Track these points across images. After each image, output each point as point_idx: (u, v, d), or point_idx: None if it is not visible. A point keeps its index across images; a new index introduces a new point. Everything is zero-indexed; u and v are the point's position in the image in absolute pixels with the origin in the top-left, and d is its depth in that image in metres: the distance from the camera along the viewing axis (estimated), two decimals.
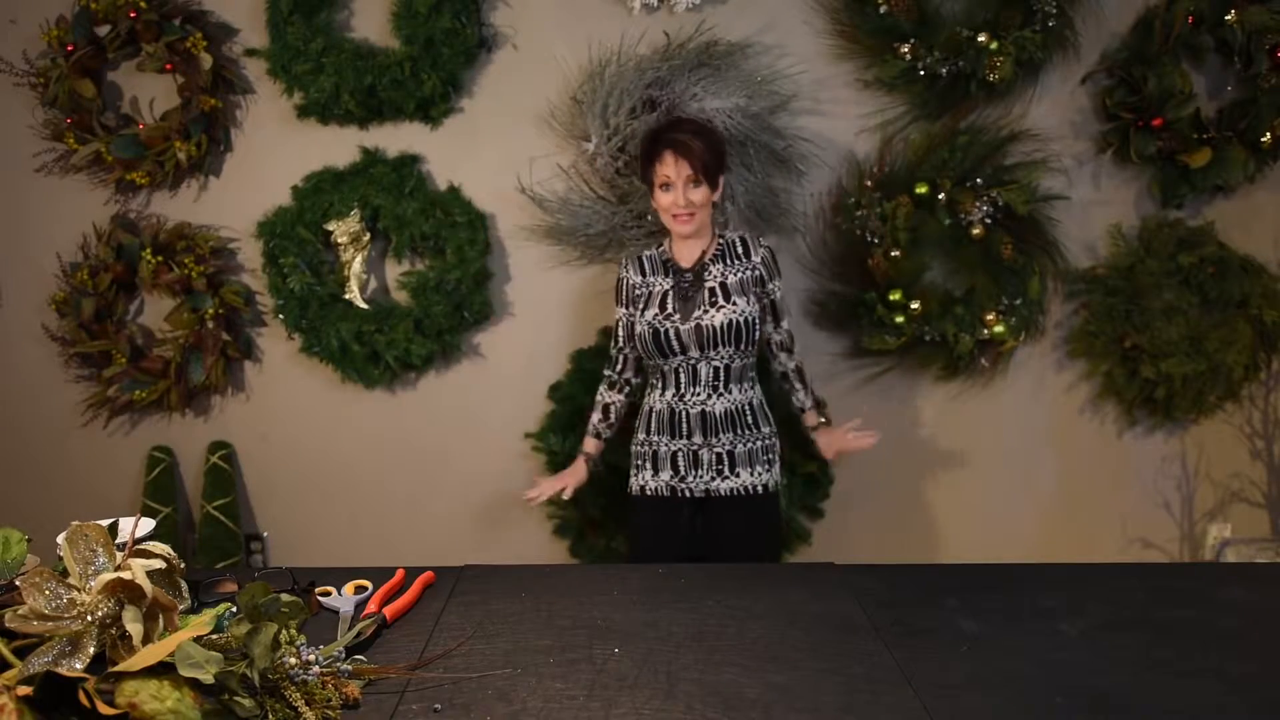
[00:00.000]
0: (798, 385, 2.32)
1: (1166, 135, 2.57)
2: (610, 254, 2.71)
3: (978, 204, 2.60)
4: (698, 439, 2.18)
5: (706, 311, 2.14)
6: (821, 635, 1.24)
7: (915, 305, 2.64)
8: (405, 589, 1.38)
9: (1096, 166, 2.72)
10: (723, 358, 2.16)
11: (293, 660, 1.05)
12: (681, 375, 2.18)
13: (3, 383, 2.90)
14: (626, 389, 2.35)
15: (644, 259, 2.26)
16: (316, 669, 1.06)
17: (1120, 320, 2.70)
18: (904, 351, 2.73)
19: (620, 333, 2.30)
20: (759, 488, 2.21)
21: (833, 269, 2.74)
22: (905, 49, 2.55)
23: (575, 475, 2.31)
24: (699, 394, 2.18)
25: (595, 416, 2.35)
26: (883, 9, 2.53)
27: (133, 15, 2.59)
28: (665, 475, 2.21)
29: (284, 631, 1.06)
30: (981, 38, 2.51)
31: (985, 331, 2.66)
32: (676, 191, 2.10)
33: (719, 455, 2.18)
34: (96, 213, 2.78)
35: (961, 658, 1.16)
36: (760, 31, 2.62)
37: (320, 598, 1.34)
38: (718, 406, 2.17)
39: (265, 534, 2.98)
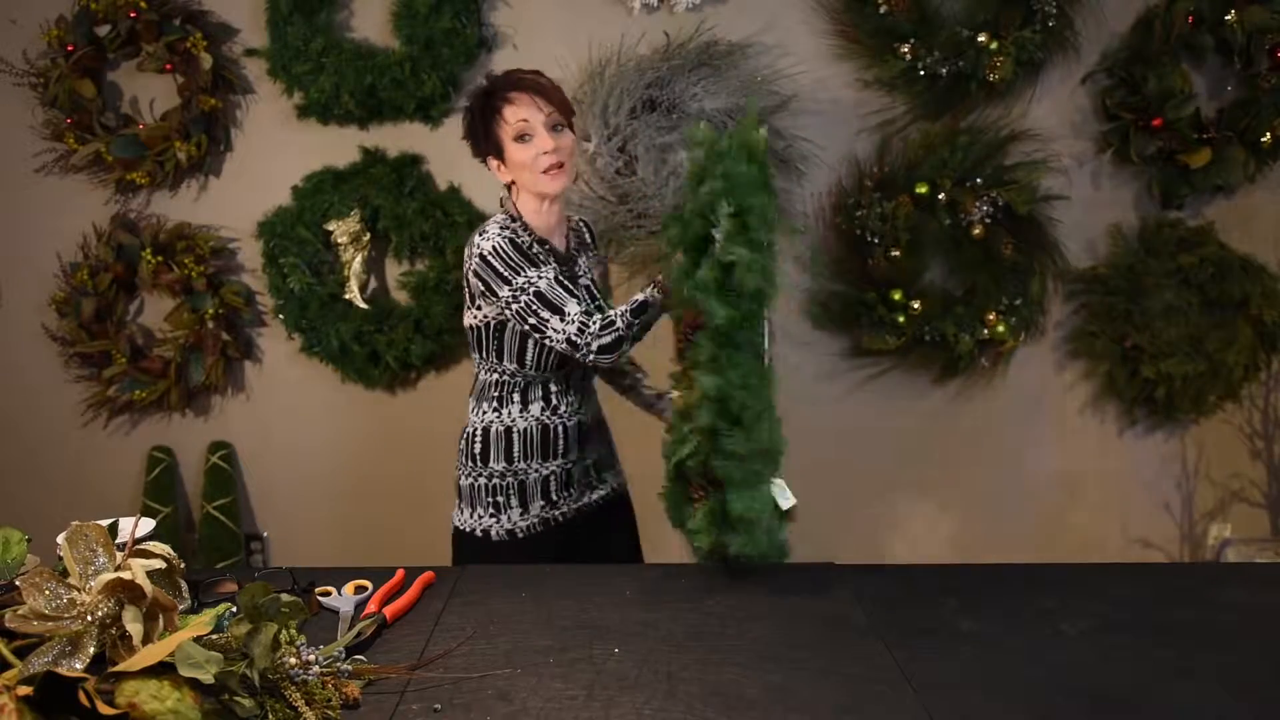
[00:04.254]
0: (631, 369, 1.95)
1: (1166, 135, 2.57)
2: (610, 254, 2.71)
3: (978, 204, 2.59)
4: (573, 455, 1.81)
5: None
6: (821, 635, 1.24)
7: (915, 305, 2.64)
8: (405, 589, 1.38)
9: (1096, 166, 2.72)
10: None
11: (293, 660, 1.05)
12: (554, 388, 1.79)
13: (3, 383, 2.90)
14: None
15: (516, 230, 1.73)
16: (316, 669, 1.06)
17: (1120, 320, 2.70)
18: (904, 351, 2.73)
19: (572, 287, 1.71)
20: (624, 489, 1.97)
21: (833, 269, 2.74)
22: (905, 49, 2.54)
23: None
24: (572, 404, 1.81)
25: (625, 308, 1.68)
26: (883, 9, 2.53)
27: (133, 15, 2.59)
28: (536, 507, 1.79)
29: (284, 631, 1.06)
30: (981, 38, 2.51)
31: (985, 331, 2.66)
32: (540, 136, 1.68)
33: (586, 468, 1.85)
34: (96, 213, 2.78)
35: (961, 658, 1.16)
36: (760, 31, 2.62)
37: (320, 598, 1.34)
38: (589, 414, 1.85)
39: (265, 534, 2.98)
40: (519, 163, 1.70)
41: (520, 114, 1.69)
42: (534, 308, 1.64)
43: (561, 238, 1.81)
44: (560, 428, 1.79)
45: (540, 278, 1.66)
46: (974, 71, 2.54)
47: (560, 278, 1.69)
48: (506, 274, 1.65)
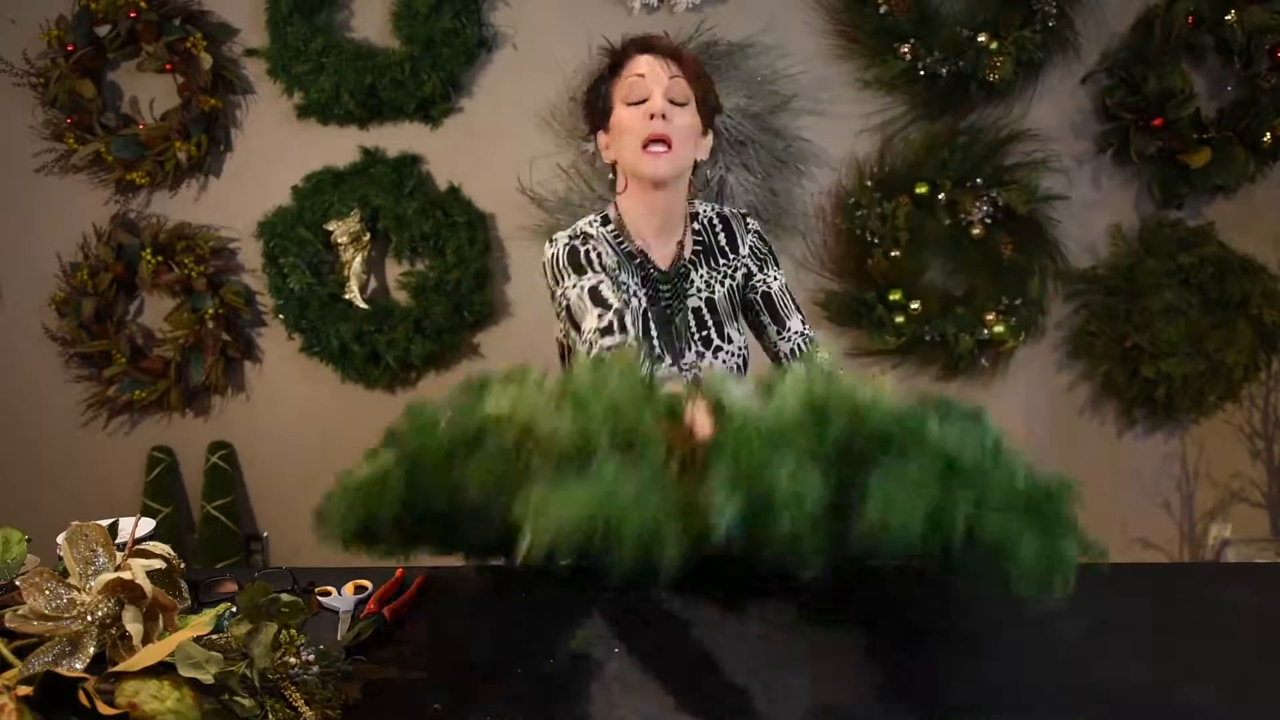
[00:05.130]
0: None
1: (1166, 135, 2.57)
2: None
3: (978, 204, 2.59)
4: None
5: (700, 355, 1.48)
6: (822, 635, 1.24)
7: (915, 305, 2.64)
8: (405, 589, 1.38)
9: (1096, 166, 2.71)
10: None
11: (293, 660, 1.05)
12: None
13: (3, 383, 2.90)
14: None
15: (604, 236, 1.48)
16: (316, 669, 1.06)
17: (1120, 320, 2.70)
18: (904, 351, 2.73)
19: (607, 292, 1.37)
20: None
21: (833, 269, 2.74)
22: (905, 49, 2.54)
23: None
24: None
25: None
26: (883, 9, 2.53)
27: (133, 15, 2.59)
28: None
29: (284, 632, 1.06)
30: (981, 38, 2.51)
31: (985, 331, 2.66)
32: (654, 99, 1.39)
33: None
34: (96, 213, 2.78)
35: (962, 658, 1.16)
36: (760, 31, 2.62)
37: (320, 598, 1.34)
38: None
39: (265, 534, 2.98)
40: (622, 127, 1.41)
41: (640, 66, 1.41)
42: (566, 320, 1.42)
43: (670, 246, 1.49)
44: None
45: (574, 285, 1.39)
46: (974, 71, 2.54)
47: (599, 286, 1.37)
48: (553, 284, 1.45)
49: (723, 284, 1.52)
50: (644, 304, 1.45)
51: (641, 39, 1.46)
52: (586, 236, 1.46)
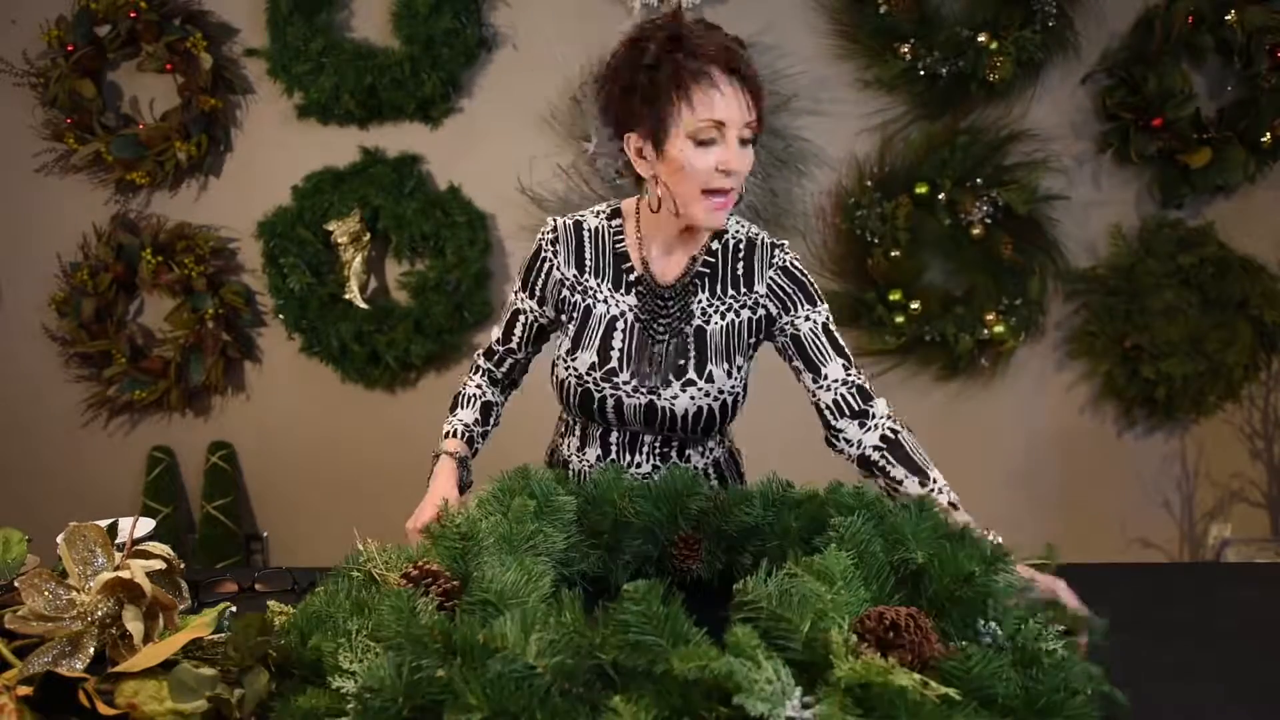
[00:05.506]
0: (896, 469, 1.29)
1: (1166, 135, 2.57)
2: None
3: (978, 204, 2.59)
4: None
5: (670, 385, 1.33)
6: None
7: (915, 305, 2.64)
8: None
9: (1096, 166, 2.71)
10: (679, 437, 1.40)
11: None
12: (613, 438, 1.42)
13: (3, 383, 2.89)
14: (510, 392, 1.56)
15: (585, 235, 1.35)
16: None
17: (1120, 320, 2.70)
18: (904, 351, 2.73)
19: (518, 331, 1.43)
20: None
21: (833, 269, 2.74)
22: (905, 49, 2.54)
23: (450, 482, 1.41)
24: (640, 464, 1.41)
25: (468, 415, 1.46)
26: (883, 9, 2.53)
27: (133, 15, 2.59)
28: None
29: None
30: (981, 38, 2.51)
31: (985, 331, 2.66)
32: (730, 147, 1.19)
33: None
34: (96, 213, 2.78)
35: None
36: (760, 31, 2.62)
37: None
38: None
39: (265, 534, 2.98)
40: (683, 165, 1.20)
41: (719, 110, 1.18)
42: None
43: (680, 260, 1.34)
44: None
45: (514, 291, 1.43)
46: (974, 71, 2.53)
47: (516, 316, 1.42)
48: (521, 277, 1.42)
49: (724, 317, 1.33)
50: (621, 315, 1.34)
51: (719, 47, 1.23)
52: (582, 232, 1.36)
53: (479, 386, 1.49)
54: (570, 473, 1.46)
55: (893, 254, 2.60)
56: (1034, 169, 2.64)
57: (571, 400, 1.37)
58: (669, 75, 1.19)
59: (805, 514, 1.15)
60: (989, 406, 2.83)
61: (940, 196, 2.60)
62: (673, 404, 1.33)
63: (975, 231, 2.62)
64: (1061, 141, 2.69)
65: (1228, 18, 2.51)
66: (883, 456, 1.30)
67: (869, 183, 2.65)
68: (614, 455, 1.42)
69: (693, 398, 1.33)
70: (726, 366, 1.33)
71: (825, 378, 1.31)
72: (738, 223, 1.36)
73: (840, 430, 1.32)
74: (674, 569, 1.20)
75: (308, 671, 0.85)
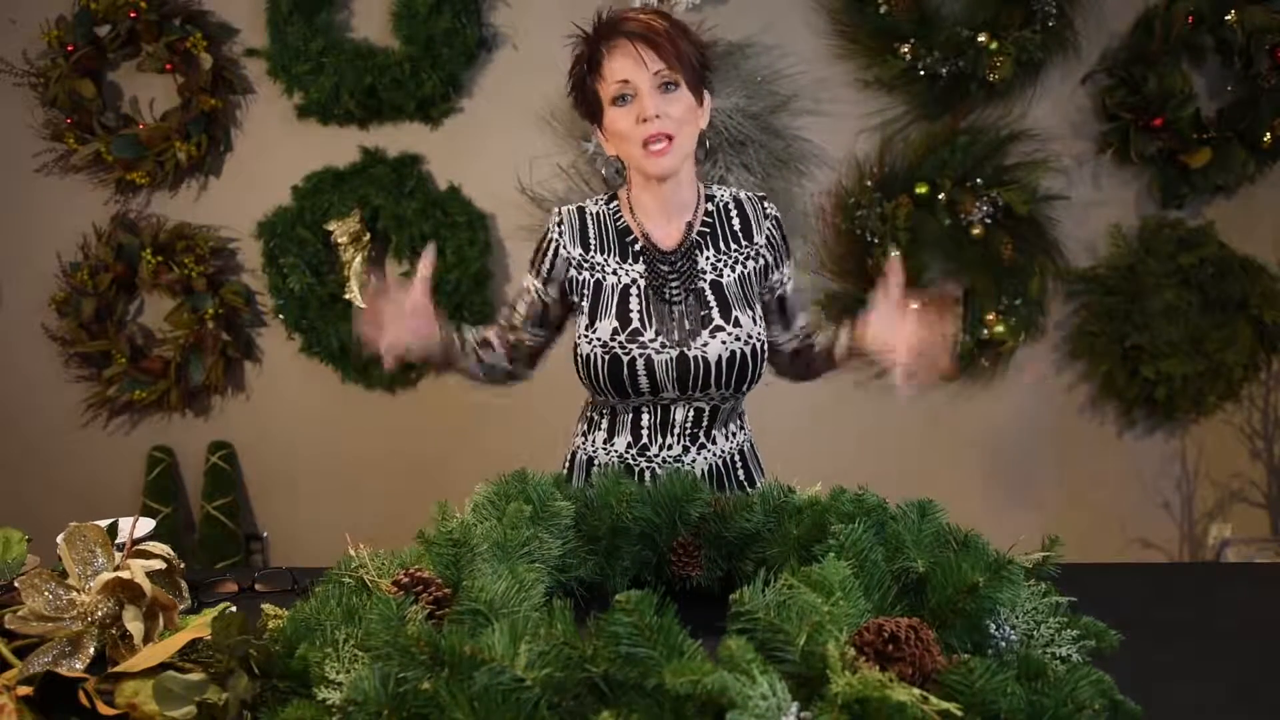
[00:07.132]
0: (817, 341, 1.52)
1: (1166, 135, 2.57)
2: None
3: (978, 204, 2.59)
4: None
5: (698, 335, 1.40)
6: None
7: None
8: None
9: (1096, 166, 2.71)
10: (711, 398, 1.45)
11: None
12: (644, 419, 1.45)
13: (3, 383, 2.89)
14: (499, 359, 1.52)
15: (588, 217, 1.46)
16: None
17: (1120, 320, 2.70)
18: None
19: (521, 308, 1.50)
20: None
21: (833, 269, 2.74)
22: (905, 49, 2.54)
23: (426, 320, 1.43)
24: (670, 446, 1.46)
25: (473, 334, 1.51)
26: (883, 9, 2.53)
27: (133, 15, 2.59)
28: None
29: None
30: (981, 38, 2.51)
31: (985, 331, 2.66)
32: (642, 99, 1.32)
33: None
34: (96, 213, 2.78)
35: None
36: (760, 31, 2.62)
37: None
38: (697, 463, 1.46)
39: (265, 534, 2.98)
40: (615, 132, 1.36)
41: (619, 70, 1.32)
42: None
43: (678, 226, 1.44)
44: (650, 475, 1.43)
45: (526, 277, 1.50)
46: (974, 71, 2.53)
47: (524, 295, 1.50)
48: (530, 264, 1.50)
49: (733, 269, 1.44)
50: (633, 282, 1.43)
51: (610, 23, 1.35)
52: (580, 216, 1.47)
53: (491, 332, 1.53)
54: (596, 467, 1.49)
55: (893, 254, 2.61)
56: (1034, 169, 2.64)
57: (601, 373, 1.41)
58: (589, 60, 1.36)
59: (806, 521, 1.14)
60: (989, 406, 2.83)
61: (940, 196, 2.60)
62: (704, 352, 1.39)
63: (975, 231, 2.62)
64: (1061, 141, 2.69)
65: (1228, 18, 2.51)
66: (809, 337, 1.54)
67: (869, 183, 2.65)
68: (645, 440, 1.46)
69: (724, 342, 1.40)
70: (750, 313, 1.43)
71: (795, 327, 1.55)
72: (721, 189, 1.50)
73: (787, 358, 1.57)
74: (673, 576, 1.19)
75: (294, 682, 0.84)
